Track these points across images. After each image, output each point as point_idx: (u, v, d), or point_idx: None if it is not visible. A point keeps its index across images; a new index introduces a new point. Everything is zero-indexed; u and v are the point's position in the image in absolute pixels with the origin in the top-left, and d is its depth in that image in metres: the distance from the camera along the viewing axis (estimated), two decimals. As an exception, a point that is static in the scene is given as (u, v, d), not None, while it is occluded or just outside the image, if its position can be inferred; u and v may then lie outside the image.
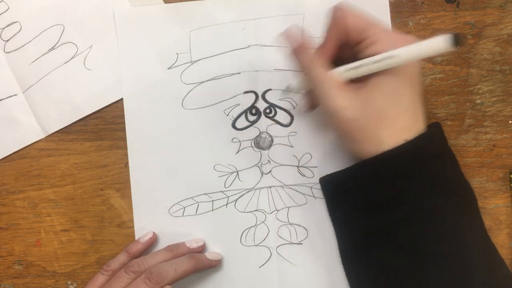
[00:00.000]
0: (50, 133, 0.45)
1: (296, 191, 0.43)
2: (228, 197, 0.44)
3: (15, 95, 0.46)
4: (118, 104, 0.45)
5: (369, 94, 0.34)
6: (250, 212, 0.43)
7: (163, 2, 0.45)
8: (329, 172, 0.40)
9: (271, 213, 0.43)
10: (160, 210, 0.44)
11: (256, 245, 0.43)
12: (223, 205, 0.44)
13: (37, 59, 0.45)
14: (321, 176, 0.41)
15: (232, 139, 0.44)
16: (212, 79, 0.44)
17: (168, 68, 0.44)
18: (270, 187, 0.44)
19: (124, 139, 0.44)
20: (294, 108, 0.44)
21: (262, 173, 0.44)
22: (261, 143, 0.44)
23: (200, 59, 0.44)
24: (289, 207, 0.43)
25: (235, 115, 0.44)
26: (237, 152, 0.44)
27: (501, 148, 0.43)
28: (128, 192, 0.44)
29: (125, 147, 0.44)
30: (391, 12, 0.43)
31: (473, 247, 0.34)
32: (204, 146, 0.44)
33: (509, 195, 0.43)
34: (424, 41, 0.30)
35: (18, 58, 0.45)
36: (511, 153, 0.43)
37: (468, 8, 0.43)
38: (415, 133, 0.34)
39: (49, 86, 0.45)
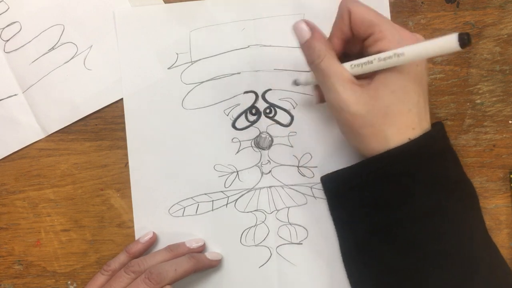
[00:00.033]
0: (50, 133, 0.45)
1: (296, 191, 0.43)
2: (228, 197, 0.44)
3: (15, 95, 0.46)
4: (118, 104, 0.45)
5: (376, 90, 0.34)
6: (250, 212, 0.43)
7: (163, 2, 0.45)
8: (329, 172, 0.40)
9: (271, 213, 0.43)
10: (160, 210, 0.44)
11: (256, 245, 0.43)
12: (223, 205, 0.44)
13: (37, 59, 0.45)
14: (322, 175, 0.41)
15: (232, 139, 0.44)
16: (212, 79, 0.44)
17: (168, 68, 0.44)
18: (270, 187, 0.44)
19: (124, 139, 0.44)
20: (294, 108, 0.44)
21: (262, 173, 0.44)
22: (261, 143, 0.44)
23: (200, 59, 0.44)
24: (289, 207, 0.43)
25: (235, 115, 0.44)
26: (237, 152, 0.44)
27: (501, 148, 0.43)
28: (128, 192, 0.44)
29: (125, 147, 0.44)
30: (391, 12, 0.43)
31: (475, 246, 0.34)
32: (204, 146, 0.44)
33: (509, 195, 0.43)
34: (431, 40, 0.30)
35: (18, 58, 0.45)
36: (511, 153, 0.43)
37: (468, 8, 0.43)
38: (421, 132, 0.34)
39: (49, 86, 0.45)
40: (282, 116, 0.44)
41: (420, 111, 0.34)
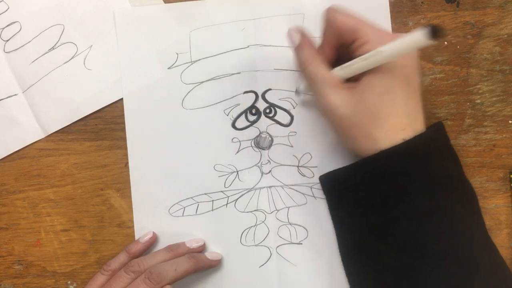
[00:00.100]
0: (50, 133, 0.45)
1: (296, 191, 0.43)
2: (228, 197, 0.44)
3: (15, 95, 0.46)
4: (118, 104, 0.45)
5: (362, 93, 0.34)
6: (250, 212, 0.43)
7: (163, 2, 0.45)
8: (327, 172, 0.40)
9: (271, 213, 0.43)
10: (160, 210, 0.44)
11: (256, 245, 0.43)
12: (223, 205, 0.44)
13: (37, 59, 0.45)
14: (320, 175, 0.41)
15: (232, 139, 0.44)
16: (212, 79, 0.44)
17: (168, 68, 0.44)
18: (270, 187, 0.44)
19: (124, 139, 0.44)
20: (294, 108, 0.44)
21: (262, 173, 0.44)
22: (261, 143, 0.44)
23: (200, 59, 0.44)
24: (289, 207, 0.43)
25: (235, 115, 0.44)
26: (237, 152, 0.44)
27: (501, 148, 0.43)
28: (128, 192, 0.44)
29: (125, 147, 0.44)
30: (391, 12, 0.43)
31: (474, 246, 0.34)
32: (204, 146, 0.44)
33: (509, 195, 0.43)
34: (404, 36, 0.30)
35: (18, 58, 0.45)
36: (511, 153, 0.43)
37: (468, 8, 0.43)
38: (413, 132, 0.34)
39: (49, 86, 0.45)
40: (282, 116, 0.44)
41: (410, 111, 0.34)
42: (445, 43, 0.43)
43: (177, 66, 0.44)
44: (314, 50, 0.37)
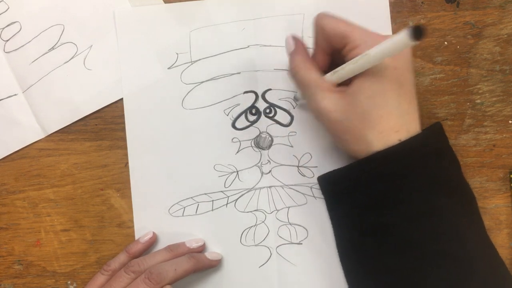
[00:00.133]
0: (50, 133, 0.45)
1: (296, 191, 0.43)
2: (228, 197, 0.44)
3: (15, 95, 0.46)
4: (118, 104, 0.45)
5: (353, 96, 0.34)
6: (250, 212, 0.43)
7: (163, 2, 0.45)
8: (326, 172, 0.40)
9: (271, 213, 0.43)
10: (160, 210, 0.44)
11: (256, 245, 0.43)
12: (223, 205, 0.44)
13: (37, 59, 0.45)
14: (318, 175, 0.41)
15: (232, 139, 0.44)
16: (212, 79, 0.44)
17: (168, 68, 0.44)
18: (270, 187, 0.44)
19: (124, 139, 0.44)
20: (294, 108, 0.44)
21: (262, 173, 0.44)
22: (261, 143, 0.44)
23: (200, 59, 0.44)
24: (289, 207, 0.43)
25: (235, 115, 0.44)
26: (237, 152, 0.44)
27: (501, 148, 0.43)
28: (128, 192, 0.44)
29: (125, 147, 0.44)
30: (391, 12, 0.43)
31: (472, 246, 0.34)
32: (204, 146, 0.44)
33: (509, 195, 0.43)
34: (392, 37, 0.30)
35: (18, 58, 0.45)
36: (511, 153, 0.43)
37: (468, 8, 0.43)
38: (407, 134, 0.34)
39: (49, 86, 0.45)
40: (282, 116, 0.44)
41: (403, 113, 0.34)
42: (445, 43, 0.43)
43: (177, 66, 0.44)
44: (306, 57, 0.38)
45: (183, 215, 0.44)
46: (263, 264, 0.43)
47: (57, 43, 0.45)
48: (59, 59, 0.45)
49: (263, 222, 0.43)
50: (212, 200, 0.44)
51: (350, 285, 0.39)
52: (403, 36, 0.28)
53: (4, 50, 0.46)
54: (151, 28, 0.44)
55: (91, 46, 0.45)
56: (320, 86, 0.36)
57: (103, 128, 0.45)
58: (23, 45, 0.45)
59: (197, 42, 0.44)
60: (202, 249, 0.43)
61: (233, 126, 0.44)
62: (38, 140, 0.45)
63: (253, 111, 0.44)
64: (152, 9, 0.45)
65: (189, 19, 0.44)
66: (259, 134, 0.44)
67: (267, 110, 0.44)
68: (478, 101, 0.43)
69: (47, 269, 0.45)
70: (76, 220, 0.45)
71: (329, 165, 0.43)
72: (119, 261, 0.41)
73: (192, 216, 0.44)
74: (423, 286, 0.33)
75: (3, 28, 0.45)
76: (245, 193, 0.44)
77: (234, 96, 0.44)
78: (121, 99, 0.45)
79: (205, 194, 0.44)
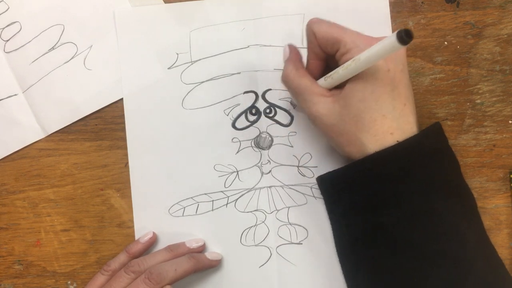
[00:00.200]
0: (50, 133, 0.45)
1: (296, 191, 0.43)
2: (228, 197, 0.44)
3: (15, 95, 0.46)
4: (118, 104, 0.45)
5: (345, 100, 0.35)
6: (250, 212, 0.43)
7: (163, 2, 0.45)
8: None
9: (271, 213, 0.43)
10: (160, 210, 0.44)
11: (256, 245, 0.43)
12: (223, 205, 0.44)
13: (37, 59, 0.45)
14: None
15: (232, 139, 0.44)
16: (212, 79, 0.44)
17: (168, 68, 0.44)
18: (270, 187, 0.44)
19: (124, 139, 0.44)
20: (294, 108, 0.44)
21: (262, 173, 0.44)
22: (261, 143, 0.44)
23: (200, 59, 0.44)
24: (289, 207, 0.43)
25: (235, 115, 0.44)
26: (237, 152, 0.44)
27: (501, 148, 0.43)
28: (128, 192, 0.44)
29: (125, 147, 0.44)
30: (391, 12, 0.43)
31: (472, 247, 0.34)
32: (204, 146, 0.44)
33: (509, 195, 0.43)
34: (379, 42, 0.30)
35: (18, 58, 0.45)
36: (511, 153, 0.43)
37: (468, 8, 0.43)
38: (402, 135, 0.34)
39: (49, 86, 0.45)
40: (282, 116, 0.44)
41: (398, 115, 0.34)
42: (445, 43, 0.43)
43: (177, 66, 0.44)
44: (299, 64, 0.38)
45: (183, 215, 0.44)
46: (263, 264, 0.43)
47: (57, 43, 0.45)
48: (59, 59, 0.45)
49: (263, 222, 0.43)
50: (212, 200, 0.44)
51: (349, 285, 0.39)
52: (392, 40, 0.29)
53: (4, 50, 0.46)
54: (151, 28, 0.44)
55: (91, 46, 0.45)
56: (312, 92, 0.36)
57: (103, 128, 0.45)
58: (23, 45, 0.45)
59: (197, 42, 0.44)
60: (202, 249, 0.43)
61: (233, 126, 0.44)
62: (38, 140, 0.45)
63: (253, 111, 0.44)
64: (152, 9, 0.45)
65: (189, 19, 0.44)
66: (259, 134, 0.44)
67: (267, 110, 0.44)
68: (478, 101, 0.43)
69: (47, 269, 0.45)
70: (76, 220, 0.45)
71: (329, 165, 0.43)
72: (119, 261, 0.41)
73: (192, 216, 0.44)
74: (423, 286, 0.33)
75: (3, 28, 0.45)
76: (245, 193, 0.44)
77: (234, 96, 0.44)
78: (121, 99, 0.45)
79: (205, 194, 0.44)
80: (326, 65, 0.38)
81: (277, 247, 0.43)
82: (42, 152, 0.45)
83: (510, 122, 0.43)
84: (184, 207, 0.44)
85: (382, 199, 0.34)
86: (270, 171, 0.44)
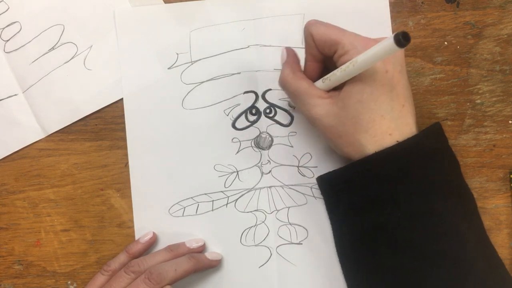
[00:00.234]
0: (50, 133, 0.45)
1: (296, 191, 0.43)
2: (228, 197, 0.44)
3: (15, 95, 0.46)
4: (118, 104, 0.45)
5: (343, 101, 0.35)
6: (250, 212, 0.43)
7: (163, 2, 0.45)
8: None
9: (271, 213, 0.43)
10: (160, 210, 0.44)
11: (256, 245, 0.43)
12: (223, 205, 0.44)
13: (37, 59, 0.45)
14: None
15: (232, 139, 0.44)
16: (212, 79, 0.44)
17: (168, 68, 0.44)
18: (270, 187, 0.44)
19: (124, 139, 0.44)
20: (294, 108, 0.44)
21: (262, 173, 0.44)
22: (261, 143, 0.44)
23: (200, 59, 0.44)
24: (289, 207, 0.43)
25: (235, 115, 0.44)
26: (237, 152, 0.44)
27: (501, 148, 0.43)
28: (128, 192, 0.44)
29: (125, 147, 0.44)
30: (391, 12, 0.43)
31: (472, 247, 0.34)
32: (204, 146, 0.44)
33: (509, 195, 0.43)
34: (376, 44, 0.30)
35: (18, 58, 0.45)
36: (511, 153, 0.43)
37: (468, 8, 0.43)
38: (401, 136, 0.34)
39: (49, 86, 0.45)
40: (282, 116, 0.44)
41: (396, 116, 0.34)
42: (445, 43, 0.43)
43: (177, 66, 0.44)
44: (296, 67, 0.38)
45: (183, 215, 0.44)
46: (263, 264, 0.43)
47: (57, 43, 0.45)
48: (59, 59, 0.45)
49: (263, 222, 0.43)
50: (212, 200, 0.44)
51: (349, 285, 0.39)
52: (389, 43, 0.29)
53: (4, 50, 0.46)
54: (151, 28, 0.44)
55: (91, 46, 0.45)
56: (310, 94, 0.36)
57: (103, 128, 0.45)
58: (23, 45, 0.45)
59: (197, 42, 0.44)
60: (202, 249, 0.43)
61: (233, 126, 0.44)
62: (38, 140, 0.45)
63: (253, 111, 0.44)
64: (152, 9, 0.45)
65: (189, 19, 0.44)
66: (259, 134, 0.44)
67: (267, 110, 0.44)
68: (478, 101, 0.43)
69: (47, 269, 0.45)
70: (76, 220, 0.45)
71: (329, 165, 0.43)
72: (119, 261, 0.41)
73: (192, 216, 0.44)
74: (423, 286, 0.33)
75: (3, 28, 0.45)
76: (245, 193, 0.44)
77: (234, 96, 0.44)
78: (121, 99, 0.45)
79: (205, 194, 0.44)
80: (324, 67, 0.38)
81: (277, 247, 0.43)
82: (42, 152, 0.45)
83: (510, 122, 0.43)
84: (184, 207, 0.44)
85: (381, 199, 0.34)
86: (270, 171, 0.44)
